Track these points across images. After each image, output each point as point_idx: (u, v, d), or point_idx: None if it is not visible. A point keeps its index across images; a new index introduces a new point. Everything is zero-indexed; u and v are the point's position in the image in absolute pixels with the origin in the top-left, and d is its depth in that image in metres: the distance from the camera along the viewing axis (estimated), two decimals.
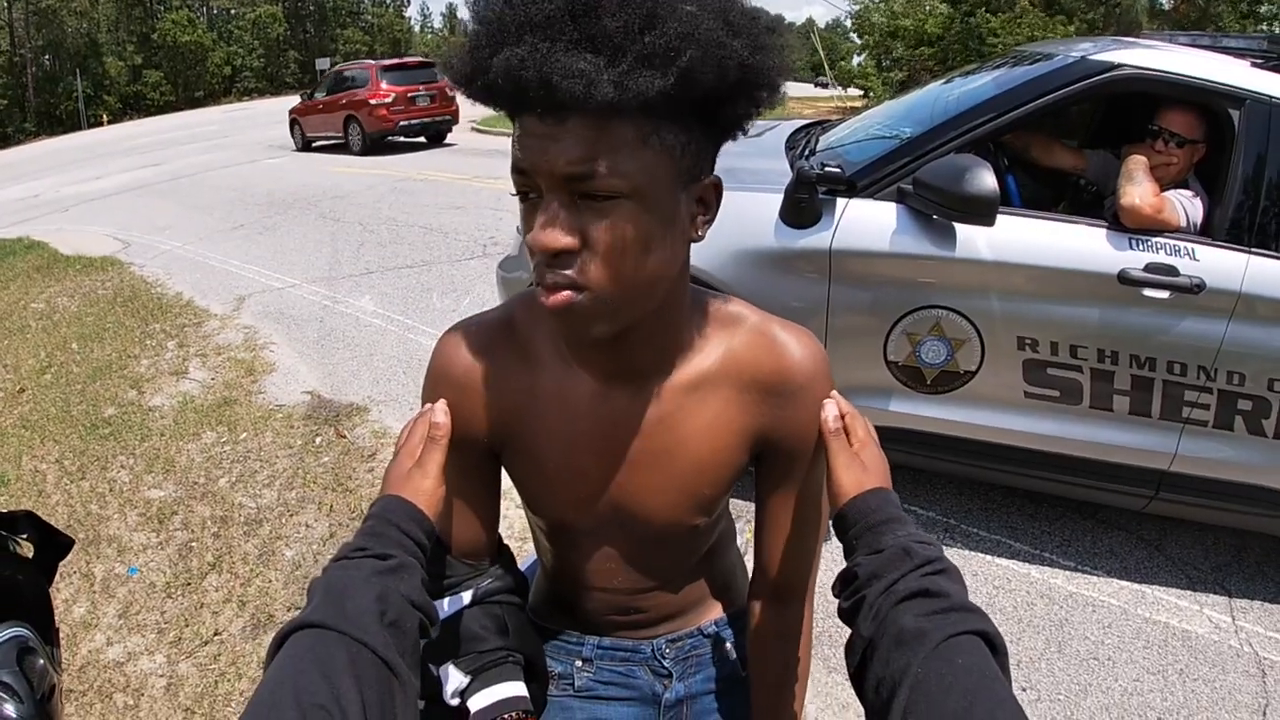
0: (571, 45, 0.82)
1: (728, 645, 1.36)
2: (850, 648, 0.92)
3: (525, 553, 2.85)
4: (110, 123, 49.18)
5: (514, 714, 1.11)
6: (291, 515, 3.60)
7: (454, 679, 1.13)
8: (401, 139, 16.31)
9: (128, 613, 3.10)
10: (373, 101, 15.55)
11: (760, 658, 1.26)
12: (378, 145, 15.79)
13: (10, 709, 1.22)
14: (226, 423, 4.42)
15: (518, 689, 1.14)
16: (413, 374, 4.89)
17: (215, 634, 2.94)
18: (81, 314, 6.56)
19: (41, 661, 1.28)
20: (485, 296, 6.21)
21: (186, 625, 2.99)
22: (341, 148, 16.69)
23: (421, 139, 16.61)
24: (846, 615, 0.96)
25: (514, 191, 0.93)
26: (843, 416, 1.08)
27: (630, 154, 0.86)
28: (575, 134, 0.84)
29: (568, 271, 0.88)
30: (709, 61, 0.83)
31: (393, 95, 15.46)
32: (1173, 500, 2.97)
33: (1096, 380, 2.84)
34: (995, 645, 0.83)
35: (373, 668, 0.79)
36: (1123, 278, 2.71)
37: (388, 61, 17.10)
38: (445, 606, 1.14)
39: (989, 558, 3.18)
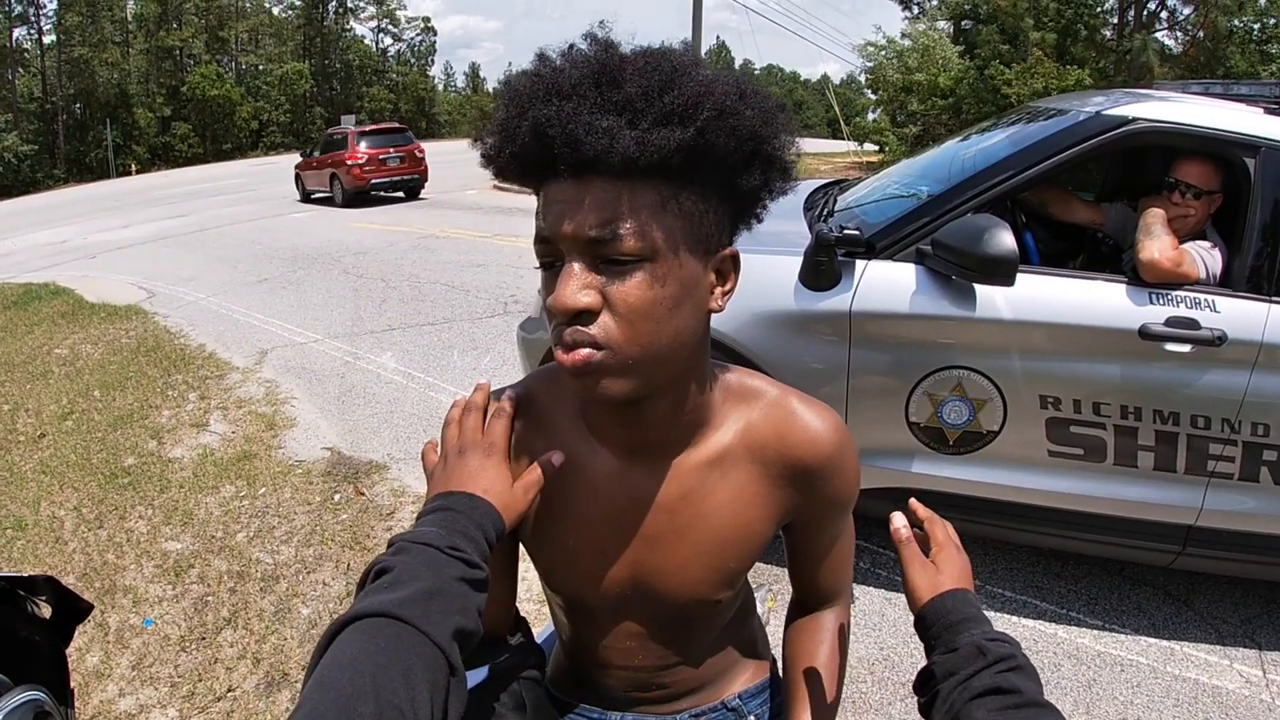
0: (595, 108, 0.86)
1: (751, 719, 1.33)
2: None
3: (543, 616, 2.82)
4: (139, 172, 50.04)
5: None
6: (309, 572, 3.58)
7: None
8: (383, 194, 17.94)
9: (141, 664, 3.07)
10: (349, 161, 17.47)
11: (799, 652, 1.27)
12: (357, 199, 17.41)
13: None
14: (246, 477, 4.43)
15: None
16: (433, 432, 4.86)
17: (229, 690, 2.91)
18: (105, 362, 6.62)
19: None
20: (506, 354, 6.24)
21: (200, 680, 2.97)
22: (366, 200, 17.91)
23: (400, 194, 18.31)
24: (924, 709, 0.99)
25: (537, 264, 0.96)
26: (922, 524, 1.12)
27: (651, 217, 0.89)
28: (598, 197, 0.87)
29: (589, 330, 0.90)
30: (723, 124, 0.87)
31: (365, 157, 17.38)
32: (1200, 555, 2.91)
33: (1120, 437, 2.81)
34: None
35: (442, 672, 0.81)
36: (1144, 333, 2.69)
37: (366, 127, 19.13)
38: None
39: (1015, 618, 3.13)
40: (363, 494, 4.20)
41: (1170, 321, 2.68)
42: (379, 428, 5.03)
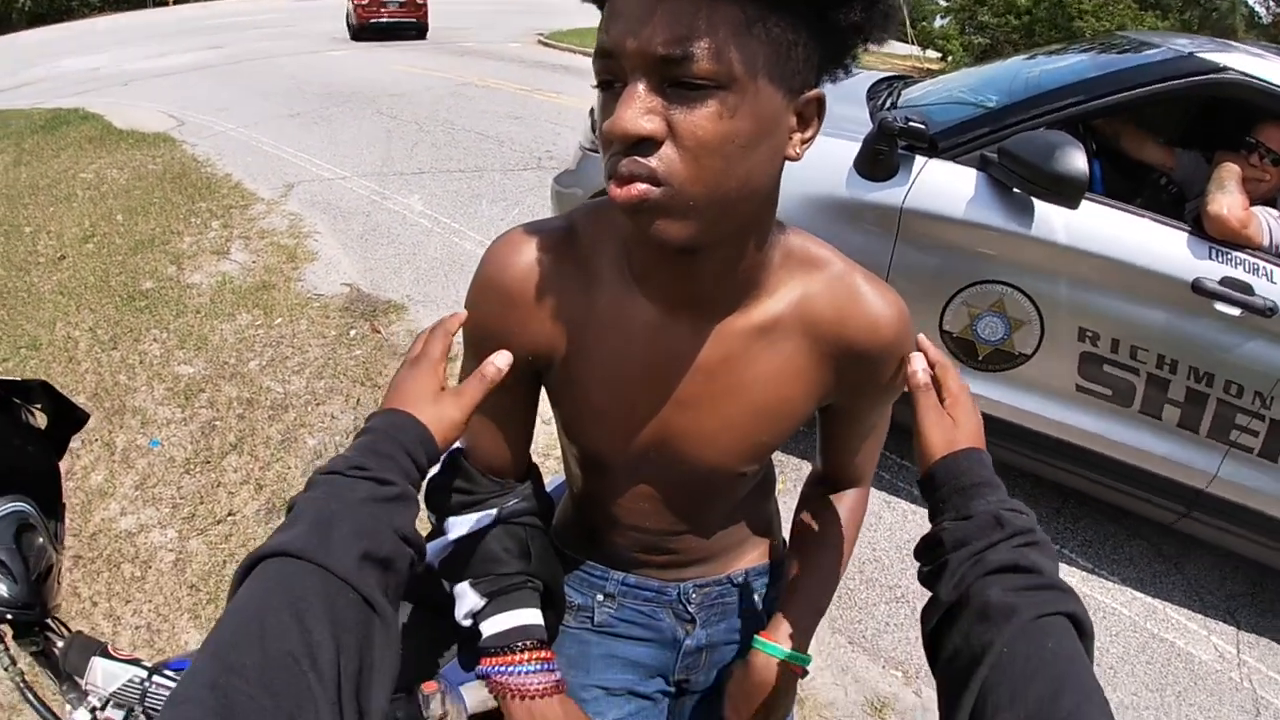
0: None
1: (756, 597, 1.31)
2: (927, 612, 0.86)
3: (549, 469, 2.78)
4: (177, 3, 48.97)
5: (527, 642, 1.06)
6: (318, 404, 3.56)
7: (469, 600, 1.08)
8: (386, 32, 19.67)
9: (144, 485, 3.07)
10: (353, 3, 19.67)
11: (805, 534, 1.23)
12: (361, 34, 19.43)
13: (2, 588, 1.15)
14: (263, 306, 4.39)
15: (534, 617, 1.09)
16: (454, 277, 4.82)
17: (229, 514, 2.91)
18: (129, 187, 6.53)
19: (41, 540, 1.19)
20: (536, 209, 6.10)
21: (201, 502, 2.96)
22: (370, 35, 19.48)
23: (412, 33, 20.04)
24: (926, 579, 0.89)
25: (594, 82, 0.83)
26: (932, 367, 1.00)
27: (733, 38, 0.76)
28: (673, 7, 0.75)
29: (647, 161, 0.78)
30: None
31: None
32: (1203, 521, 2.91)
33: (1151, 386, 2.76)
34: (1083, 628, 0.77)
35: (353, 609, 0.71)
36: (1196, 287, 2.60)
37: None
38: (468, 523, 1.08)
39: None
40: (379, 332, 4.17)
41: (1225, 281, 2.60)
42: (400, 268, 4.95)
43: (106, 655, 1.20)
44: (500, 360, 0.95)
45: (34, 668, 1.19)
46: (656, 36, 0.75)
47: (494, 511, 1.09)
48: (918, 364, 0.99)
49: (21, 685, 1.15)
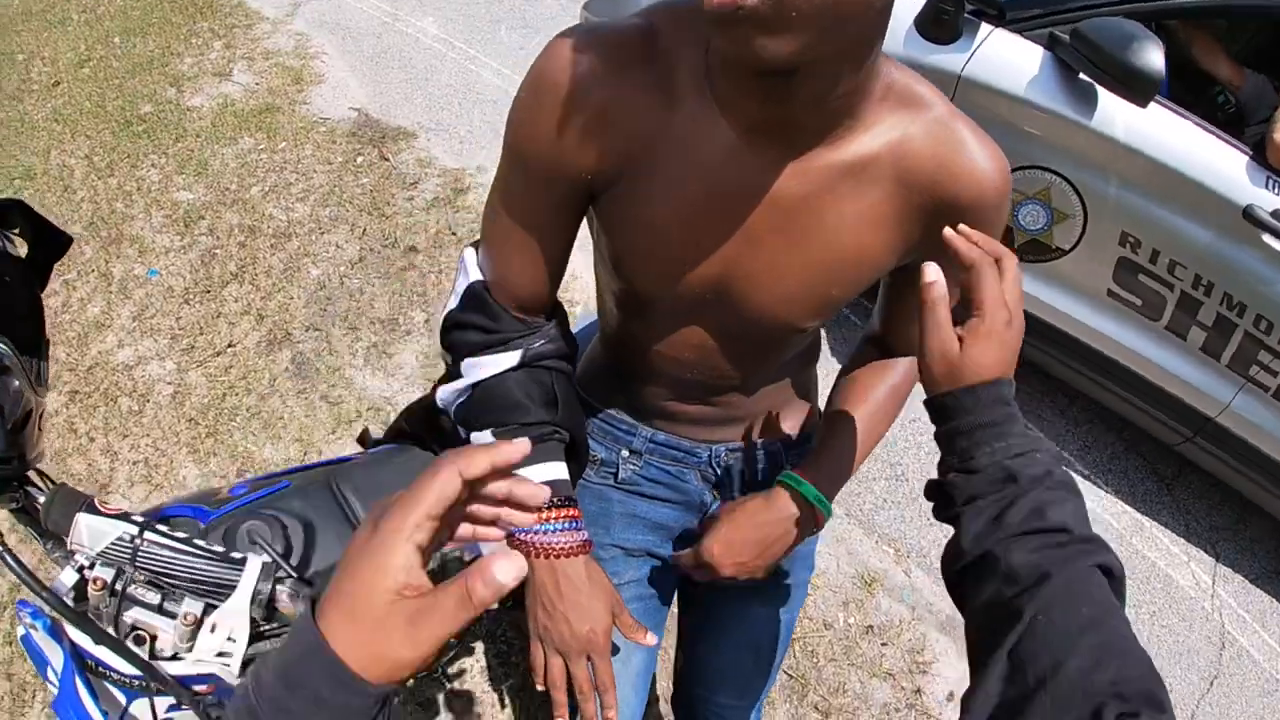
0: None
1: (787, 469, 1.21)
2: (949, 556, 0.80)
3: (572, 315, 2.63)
4: None
5: (555, 499, 0.99)
6: (322, 233, 3.43)
7: None
8: None
9: (142, 315, 2.97)
10: None
11: (849, 393, 1.14)
12: None
13: None
14: (266, 130, 4.17)
15: (559, 471, 1.00)
16: (468, 106, 4.56)
17: (229, 345, 2.82)
18: (127, 8, 6.18)
19: (17, 383, 1.07)
20: None
21: (201, 333, 2.87)
22: None
23: None
24: (941, 518, 0.84)
25: None
26: (969, 269, 0.83)
27: None
28: None
29: None
30: None
31: None
32: (1206, 449, 2.87)
33: (1182, 305, 2.67)
34: (1113, 573, 0.75)
35: None
36: (1248, 214, 2.46)
37: None
38: (489, 366, 0.98)
39: None
40: (387, 159, 3.97)
41: (1277, 214, 2.46)
42: (411, 94, 4.68)
43: (93, 510, 1.10)
44: (508, 575, 0.53)
45: (14, 526, 1.10)
46: None
47: (519, 353, 0.98)
48: (930, 275, 0.83)
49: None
